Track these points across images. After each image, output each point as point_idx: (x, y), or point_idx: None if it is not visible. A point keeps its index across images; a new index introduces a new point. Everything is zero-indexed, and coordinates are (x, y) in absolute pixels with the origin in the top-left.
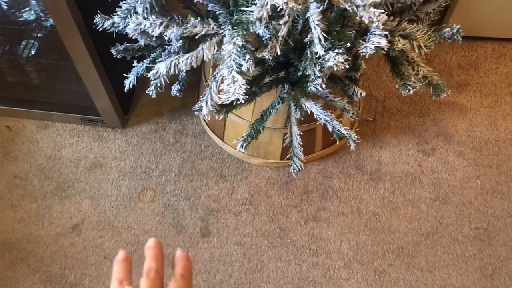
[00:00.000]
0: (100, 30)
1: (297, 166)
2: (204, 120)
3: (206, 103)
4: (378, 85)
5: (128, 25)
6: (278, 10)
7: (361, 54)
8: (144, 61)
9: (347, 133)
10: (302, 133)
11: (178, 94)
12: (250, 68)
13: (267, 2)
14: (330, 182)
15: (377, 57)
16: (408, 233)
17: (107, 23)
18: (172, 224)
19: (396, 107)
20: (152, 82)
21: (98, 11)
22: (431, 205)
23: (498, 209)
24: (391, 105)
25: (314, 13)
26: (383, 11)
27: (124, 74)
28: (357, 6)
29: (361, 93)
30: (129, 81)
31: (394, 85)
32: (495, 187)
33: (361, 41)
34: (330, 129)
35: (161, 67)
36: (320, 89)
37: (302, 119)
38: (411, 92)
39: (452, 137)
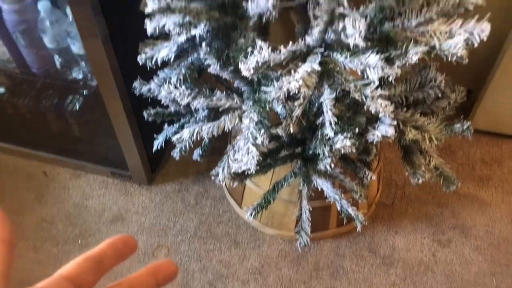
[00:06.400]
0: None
1: (303, 240)
2: (226, 185)
3: (223, 169)
4: (399, 171)
5: (161, 92)
6: (294, 92)
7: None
8: (174, 125)
9: (354, 214)
10: (313, 209)
11: (199, 159)
12: (265, 142)
13: (283, 86)
14: (342, 262)
15: None
16: None
17: (144, 89)
18: (181, 284)
19: (415, 194)
20: (176, 145)
21: (138, 76)
22: None
23: None
24: (410, 192)
25: (327, 98)
26: (389, 102)
27: (155, 135)
28: (366, 97)
29: (371, 177)
30: (158, 142)
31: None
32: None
33: (370, 128)
34: (338, 208)
35: (185, 133)
36: (328, 168)
37: (313, 194)
38: (420, 181)
39: (470, 230)
